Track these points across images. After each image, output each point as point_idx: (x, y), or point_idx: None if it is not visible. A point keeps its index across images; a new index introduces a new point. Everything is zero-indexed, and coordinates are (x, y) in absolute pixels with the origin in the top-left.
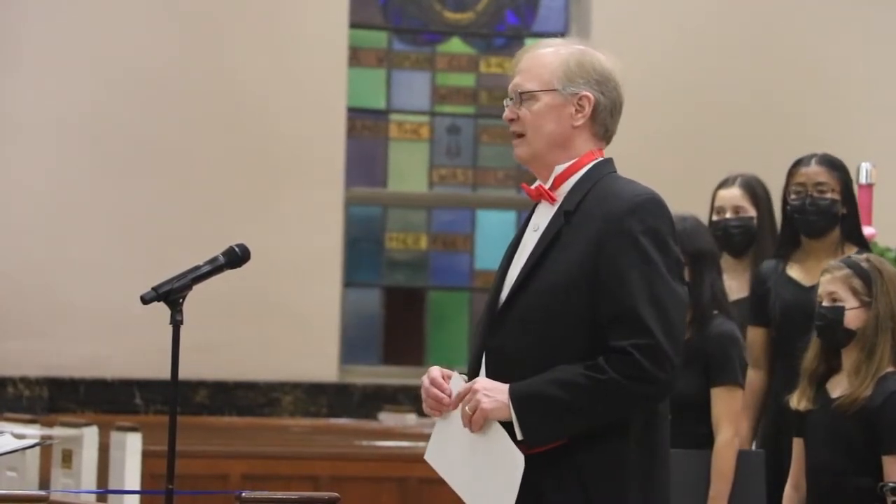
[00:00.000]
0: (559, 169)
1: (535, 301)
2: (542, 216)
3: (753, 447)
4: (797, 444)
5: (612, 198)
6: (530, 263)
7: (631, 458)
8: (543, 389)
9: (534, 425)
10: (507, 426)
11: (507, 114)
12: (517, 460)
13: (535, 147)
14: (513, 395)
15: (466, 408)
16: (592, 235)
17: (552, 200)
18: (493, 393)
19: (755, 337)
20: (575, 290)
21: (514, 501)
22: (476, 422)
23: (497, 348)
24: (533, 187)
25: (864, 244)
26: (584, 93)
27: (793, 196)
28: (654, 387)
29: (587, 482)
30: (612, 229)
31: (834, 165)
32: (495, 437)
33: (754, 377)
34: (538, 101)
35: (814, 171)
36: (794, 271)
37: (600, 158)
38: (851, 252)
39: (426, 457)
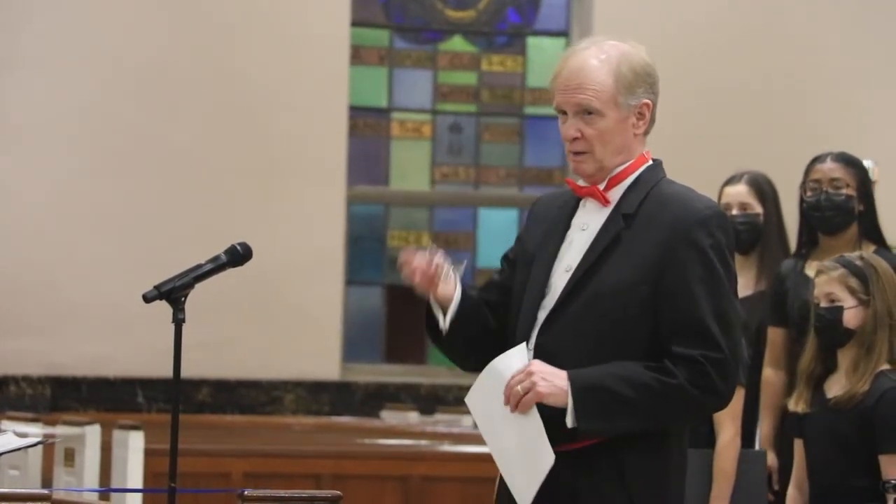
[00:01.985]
0: (614, 171)
1: (593, 302)
2: (592, 216)
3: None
4: (798, 446)
5: (676, 206)
6: (586, 264)
7: (673, 458)
8: (606, 383)
9: (590, 417)
10: (554, 414)
11: (570, 132)
12: (548, 457)
13: (603, 163)
14: (573, 382)
15: (519, 387)
16: (659, 242)
17: (606, 203)
18: (551, 377)
19: (775, 337)
20: (636, 295)
21: (533, 494)
22: (526, 403)
23: (548, 347)
24: (582, 185)
25: (882, 242)
26: (644, 101)
27: (809, 193)
28: (718, 399)
29: (631, 482)
30: (680, 239)
31: (850, 162)
32: (532, 425)
33: (775, 377)
34: (604, 119)
35: (829, 168)
36: (810, 270)
37: (651, 162)
38: (869, 251)
39: (467, 399)
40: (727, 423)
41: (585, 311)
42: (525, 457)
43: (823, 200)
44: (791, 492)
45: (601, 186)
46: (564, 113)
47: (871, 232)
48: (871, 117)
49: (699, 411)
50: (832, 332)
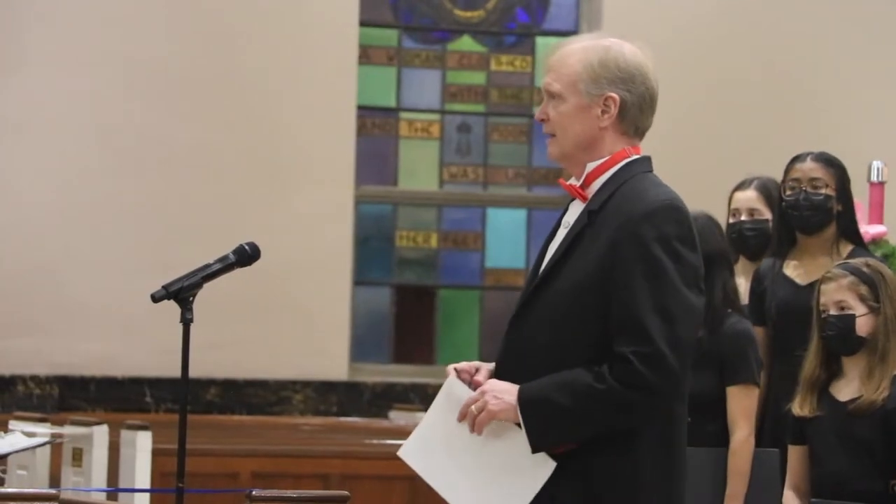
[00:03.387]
0: (590, 167)
1: (553, 300)
2: (573, 213)
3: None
4: (797, 451)
5: (632, 201)
6: (552, 262)
7: (641, 462)
8: (549, 395)
9: (539, 430)
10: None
11: (538, 114)
12: (547, 464)
13: (564, 147)
14: (521, 398)
15: (473, 407)
16: (609, 239)
17: (583, 199)
18: (503, 395)
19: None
20: (589, 293)
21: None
22: (480, 423)
23: (514, 344)
24: (568, 183)
25: (859, 242)
26: (610, 94)
27: (788, 192)
28: (653, 395)
29: (595, 487)
30: (625, 235)
31: (830, 162)
32: (516, 441)
33: None
34: (565, 103)
35: (809, 167)
36: (790, 270)
37: (634, 157)
38: (847, 250)
39: (400, 453)
40: (741, 423)
41: (547, 309)
42: (515, 474)
43: (802, 200)
44: (789, 494)
45: (578, 183)
46: None
47: (849, 232)
48: (880, 118)
49: (638, 409)
50: (844, 340)
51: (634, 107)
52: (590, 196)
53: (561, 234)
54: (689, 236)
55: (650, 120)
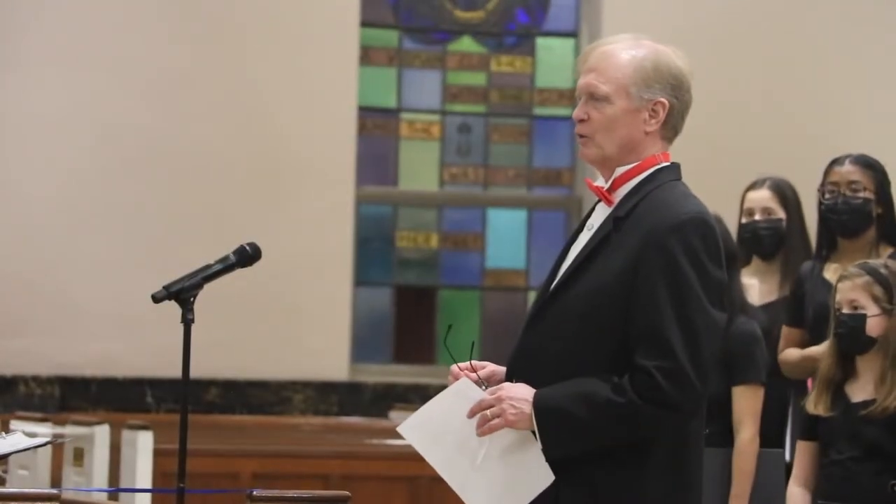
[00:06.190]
0: (619, 171)
1: (573, 304)
2: (598, 216)
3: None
4: (806, 447)
5: (660, 211)
6: (575, 265)
7: (649, 475)
8: (566, 405)
9: (554, 440)
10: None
11: (577, 113)
12: (546, 476)
13: (605, 150)
14: (536, 406)
15: (488, 412)
16: (634, 247)
17: (609, 203)
18: (519, 404)
19: (791, 336)
20: (610, 300)
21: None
22: (493, 428)
23: (531, 345)
24: (596, 184)
25: None
26: (660, 99)
27: (827, 196)
28: (673, 411)
29: (600, 498)
30: (652, 245)
31: (869, 165)
32: (525, 447)
33: None
34: (612, 105)
35: (847, 171)
36: (829, 273)
37: (664, 164)
38: (887, 252)
39: (400, 428)
40: (747, 423)
41: (566, 311)
42: (515, 477)
43: (841, 203)
44: (796, 489)
45: (606, 186)
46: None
47: (890, 235)
48: (880, 118)
49: (657, 424)
50: (854, 339)
51: (678, 113)
52: (616, 201)
53: (584, 236)
54: (715, 251)
55: (683, 124)
